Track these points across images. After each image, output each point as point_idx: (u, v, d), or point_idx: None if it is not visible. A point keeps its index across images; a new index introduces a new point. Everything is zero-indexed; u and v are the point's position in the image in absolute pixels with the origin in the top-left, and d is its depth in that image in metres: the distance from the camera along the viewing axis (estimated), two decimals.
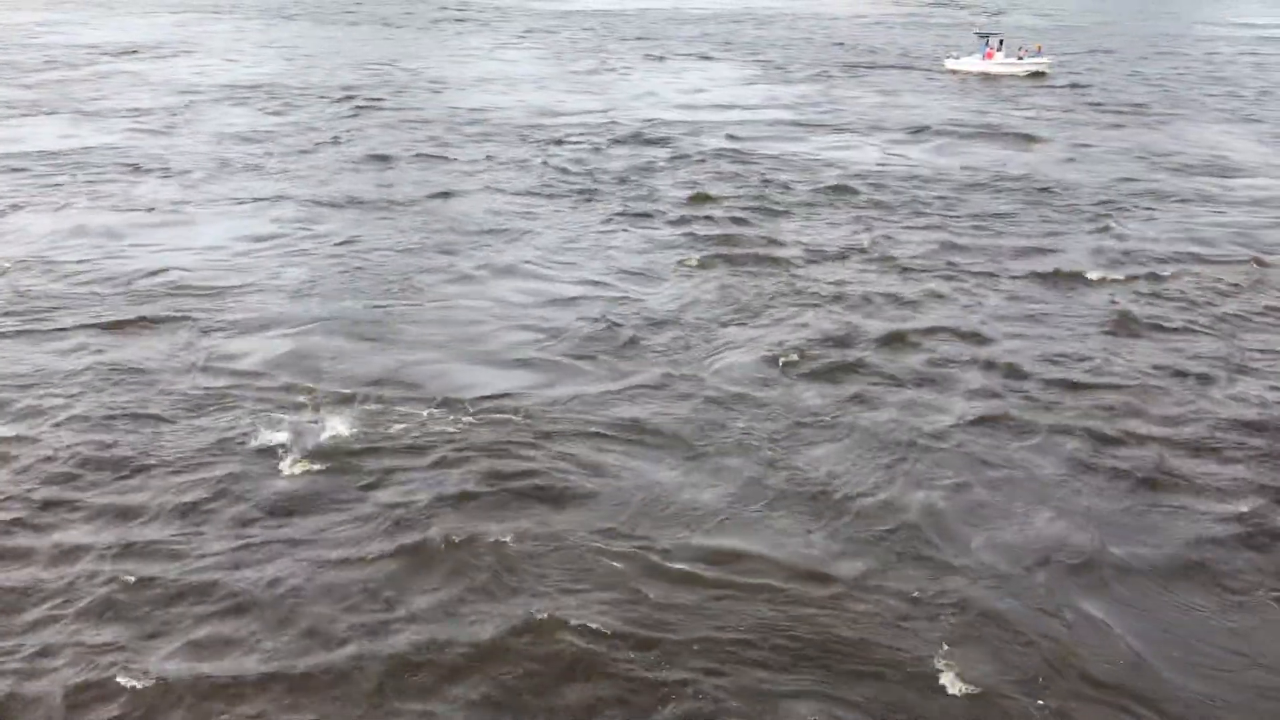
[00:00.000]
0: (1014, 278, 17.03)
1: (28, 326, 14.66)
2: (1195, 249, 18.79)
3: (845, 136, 30.30)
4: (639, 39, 59.96)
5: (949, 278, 17.04)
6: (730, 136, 30.01)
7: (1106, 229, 19.89)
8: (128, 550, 9.16)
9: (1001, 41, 46.40)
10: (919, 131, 31.13)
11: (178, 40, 57.13)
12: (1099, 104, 36.80)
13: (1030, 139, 30.07)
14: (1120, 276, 17.00)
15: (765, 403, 12.20)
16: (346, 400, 12.13)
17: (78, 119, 32.42)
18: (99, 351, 13.67)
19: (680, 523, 9.60)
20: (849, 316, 15.12)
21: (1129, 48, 56.80)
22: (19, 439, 11.20)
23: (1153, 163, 26.73)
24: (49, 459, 10.76)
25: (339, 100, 36.24)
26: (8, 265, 17.43)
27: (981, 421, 11.62)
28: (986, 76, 44.88)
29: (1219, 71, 46.64)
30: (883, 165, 26.20)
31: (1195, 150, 28.18)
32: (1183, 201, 22.52)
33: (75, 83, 40.28)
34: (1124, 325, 14.66)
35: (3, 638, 8.12)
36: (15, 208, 21.49)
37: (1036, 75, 44.37)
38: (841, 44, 57.73)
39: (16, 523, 9.61)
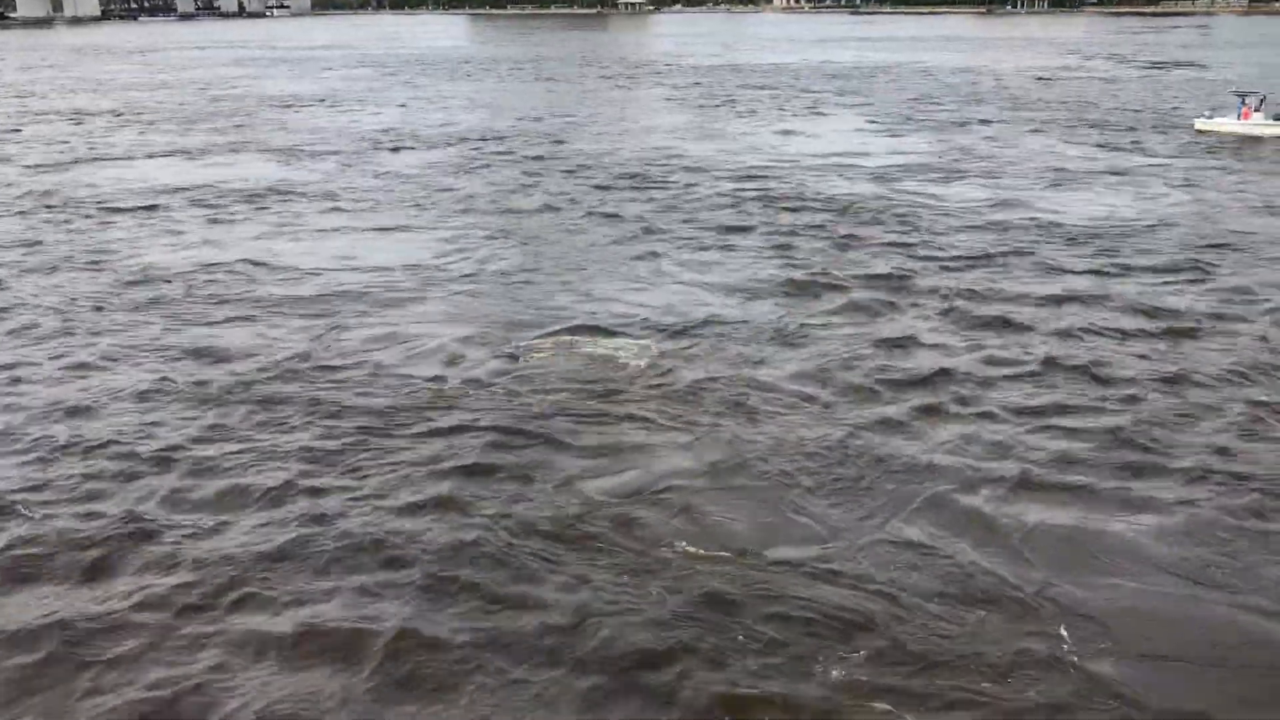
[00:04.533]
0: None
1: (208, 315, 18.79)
2: None
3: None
4: (840, 94, 62.82)
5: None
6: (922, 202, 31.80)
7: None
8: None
9: (1264, 100, 45.72)
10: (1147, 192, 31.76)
11: (352, 92, 65.66)
12: None
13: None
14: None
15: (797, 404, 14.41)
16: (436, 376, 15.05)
17: (265, 158, 38.69)
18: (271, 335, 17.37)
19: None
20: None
21: None
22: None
23: None
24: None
25: (495, 146, 41.63)
26: (193, 270, 22.19)
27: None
28: (1244, 139, 44.27)
29: None
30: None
31: None
32: None
33: (263, 127, 47.58)
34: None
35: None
36: (212, 225, 27.05)
37: None
38: (1063, 103, 58.10)
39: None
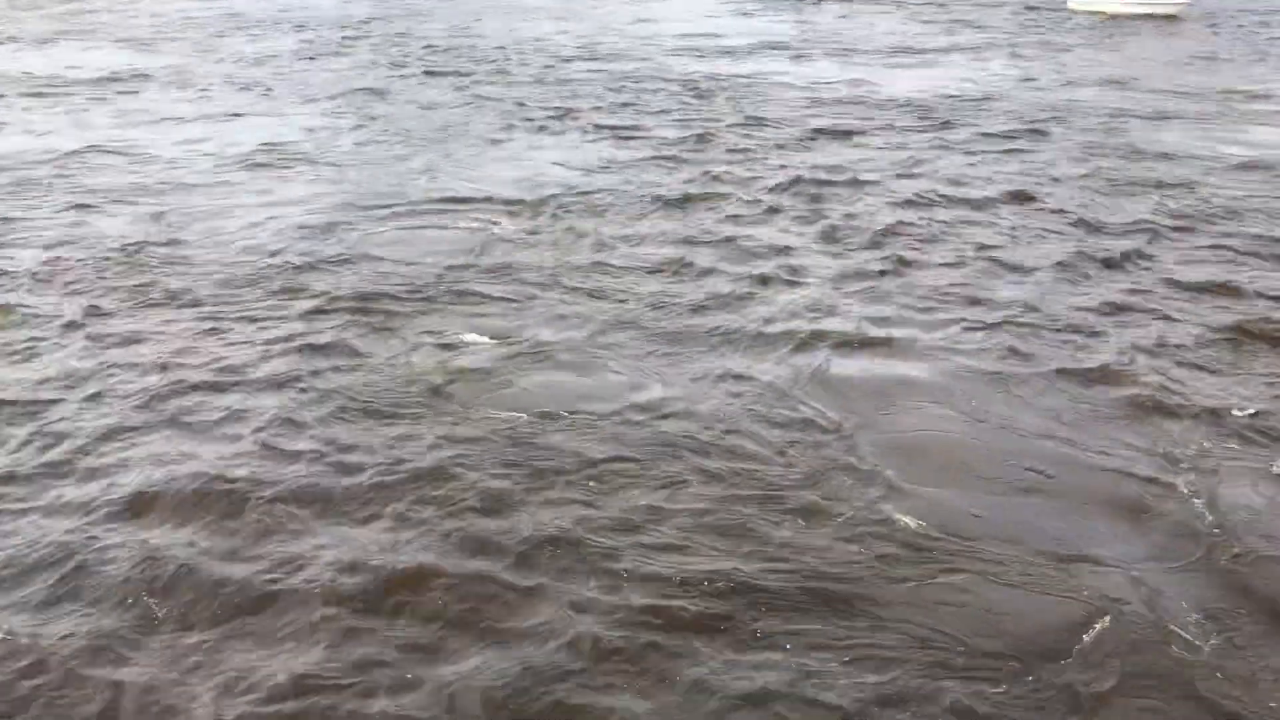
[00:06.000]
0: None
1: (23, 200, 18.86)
2: None
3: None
4: None
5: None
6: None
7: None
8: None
9: None
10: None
11: None
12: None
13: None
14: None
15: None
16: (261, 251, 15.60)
17: (108, 45, 37.65)
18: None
19: None
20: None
21: None
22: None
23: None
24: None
25: (351, 31, 41.72)
26: (39, 161, 21.81)
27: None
28: (1114, 18, 46.37)
29: None
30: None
31: None
32: None
33: (104, 12, 45.90)
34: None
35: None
36: (55, 114, 26.49)
37: (1168, 18, 45.63)
38: None
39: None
